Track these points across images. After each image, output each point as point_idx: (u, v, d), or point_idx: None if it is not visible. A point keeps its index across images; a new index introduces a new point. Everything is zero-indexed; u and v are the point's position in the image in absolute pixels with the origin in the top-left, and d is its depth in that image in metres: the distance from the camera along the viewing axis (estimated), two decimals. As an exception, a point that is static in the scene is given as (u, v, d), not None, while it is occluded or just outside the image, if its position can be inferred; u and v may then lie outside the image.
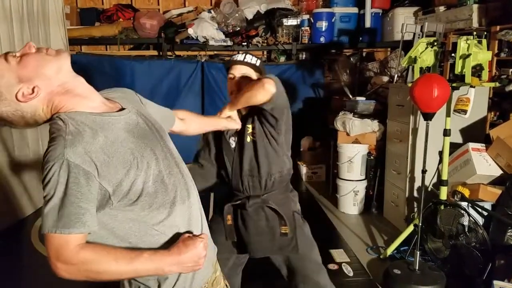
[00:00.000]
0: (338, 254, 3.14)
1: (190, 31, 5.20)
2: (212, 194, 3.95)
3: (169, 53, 5.43)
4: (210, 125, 1.78)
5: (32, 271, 3.01)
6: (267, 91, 1.62)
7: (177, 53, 5.55)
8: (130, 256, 1.07)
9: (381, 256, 3.11)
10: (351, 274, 2.86)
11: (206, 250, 1.17)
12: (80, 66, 5.16)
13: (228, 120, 1.77)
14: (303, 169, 5.14)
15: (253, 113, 1.82)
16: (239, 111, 1.84)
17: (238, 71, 1.81)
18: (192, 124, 1.67)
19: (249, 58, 1.82)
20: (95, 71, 5.25)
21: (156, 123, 1.32)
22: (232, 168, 1.86)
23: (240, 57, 1.81)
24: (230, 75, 1.82)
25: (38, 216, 3.93)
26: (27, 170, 3.93)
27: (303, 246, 1.88)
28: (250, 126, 1.82)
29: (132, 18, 5.41)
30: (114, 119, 1.14)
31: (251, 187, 1.84)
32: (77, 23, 5.45)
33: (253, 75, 1.83)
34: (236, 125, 1.78)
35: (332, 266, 2.95)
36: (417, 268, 2.65)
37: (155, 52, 5.67)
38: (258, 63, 1.84)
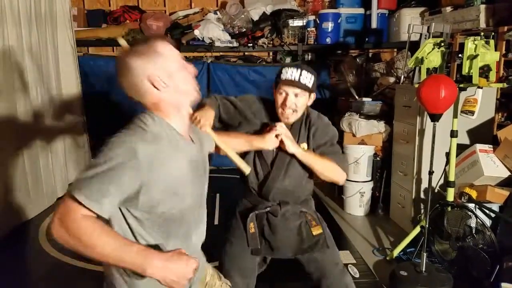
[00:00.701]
0: (344, 256, 3.12)
1: (196, 32, 5.22)
2: (218, 196, 3.96)
3: (175, 54, 5.45)
4: (247, 146, 1.76)
5: (40, 271, 3.03)
6: (342, 179, 1.82)
7: (183, 54, 5.54)
8: (123, 243, 1.09)
9: (387, 258, 3.10)
10: (357, 275, 2.85)
11: (193, 275, 1.14)
12: (87, 68, 5.22)
13: (269, 140, 1.71)
14: (309, 170, 5.12)
15: (308, 135, 1.85)
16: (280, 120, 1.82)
17: (293, 90, 1.75)
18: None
19: (307, 79, 1.74)
20: (102, 73, 5.29)
21: (206, 162, 1.41)
22: (267, 178, 1.83)
23: (296, 75, 1.72)
24: (282, 92, 1.76)
25: (45, 217, 3.96)
26: (34, 171, 3.97)
27: (330, 243, 1.92)
28: (304, 145, 1.83)
29: (138, 20, 5.44)
30: (185, 146, 1.26)
31: (283, 197, 1.85)
32: (84, 25, 5.49)
33: (307, 95, 1.80)
34: (274, 146, 1.75)
35: (338, 268, 2.94)
36: (424, 270, 2.64)
37: (161, 54, 5.69)
38: (312, 81, 1.77)
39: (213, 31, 5.23)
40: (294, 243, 1.86)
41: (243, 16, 5.30)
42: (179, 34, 5.32)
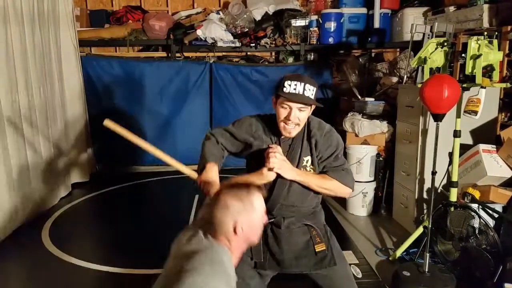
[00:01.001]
0: (347, 256, 3.09)
1: (199, 32, 5.22)
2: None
3: (177, 54, 5.46)
4: None
5: (43, 271, 3.04)
6: (345, 194, 1.83)
7: (186, 54, 5.58)
8: None
9: (390, 258, 3.09)
10: (360, 275, 2.84)
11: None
12: (90, 68, 5.23)
13: (266, 175, 1.72)
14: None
15: (310, 146, 1.81)
16: (278, 133, 1.80)
17: (297, 105, 1.70)
18: None
19: (310, 93, 1.70)
20: (105, 73, 5.31)
21: None
22: (270, 195, 1.80)
23: (300, 89, 1.68)
24: (285, 106, 1.71)
25: (48, 217, 3.98)
26: (37, 172, 3.98)
27: (338, 259, 1.87)
28: (307, 159, 1.81)
29: (141, 20, 5.45)
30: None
31: (288, 212, 1.83)
32: (87, 25, 5.50)
33: (309, 108, 1.76)
34: (273, 177, 1.74)
35: (340, 268, 2.94)
36: (426, 270, 2.63)
37: (164, 54, 5.70)
38: (314, 94, 1.73)
39: (215, 31, 5.23)
40: (301, 259, 1.82)
41: (245, 16, 5.30)
42: (182, 34, 5.33)
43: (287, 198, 1.80)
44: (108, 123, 1.84)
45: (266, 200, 1.76)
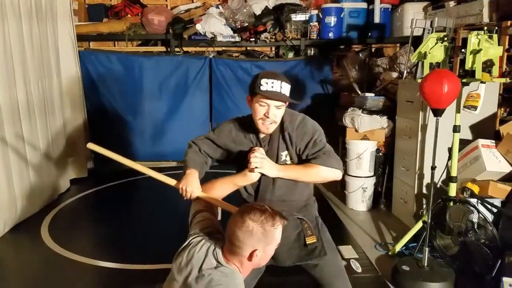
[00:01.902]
0: (347, 250, 3.13)
1: (198, 26, 5.20)
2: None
3: (177, 49, 5.44)
4: (233, 187, 1.82)
5: (42, 266, 3.05)
6: (334, 176, 1.80)
7: (185, 49, 5.56)
8: None
9: (389, 253, 3.10)
10: (359, 270, 2.85)
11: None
12: (88, 63, 5.21)
13: (250, 176, 1.75)
14: (311, 165, 5.11)
15: (285, 141, 1.82)
16: (259, 131, 1.82)
17: (275, 103, 1.73)
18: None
19: (286, 90, 1.74)
20: (103, 68, 5.29)
21: None
22: (257, 191, 1.84)
23: (277, 87, 1.71)
24: (263, 104, 1.72)
25: (47, 213, 3.98)
26: (36, 168, 3.98)
27: (328, 250, 1.88)
28: (285, 153, 1.83)
29: (140, 14, 5.42)
30: None
31: (278, 207, 1.80)
32: (85, 19, 5.48)
33: (285, 106, 1.78)
34: (257, 177, 1.76)
35: (340, 262, 2.95)
36: (426, 264, 2.64)
37: (163, 48, 5.68)
38: (289, 91, 1.76)
39: (215, 25, 5.21)
40: (292, 251, 1.84)
41: (245, 10, 5.28)
42: (181, 28, 5.30)
43: (273, 193, 1.82)
44: (91, 146, 1.92)
45: (255, 197, 1.83)
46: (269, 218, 1.37)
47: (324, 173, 1.77)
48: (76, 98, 4.92)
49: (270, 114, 1.71)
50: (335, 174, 1.79)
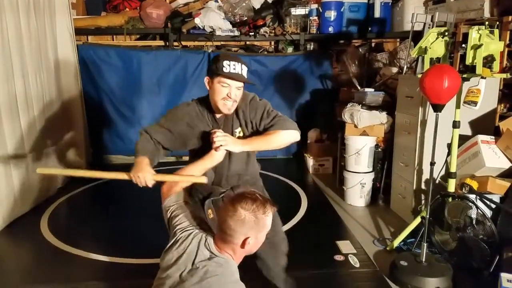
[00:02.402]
0: (345, 245, 3.13)
1: (197, 20, 5.17)
2: None
3: (175, 43, 5.41)
4: (202, 170, 1.83)
5: (41, 260, 3.04)
6: (294, 138, 1.93)
7: (184, 43, 5.53)
8: None
9: (387, 248, 3.10)
10: (357, 265, 2.86)
11: None
12: (87, 57, 5.19)
13: (216, 155, 1.80)
14: (310, 162, 5.12)
15: (239, 118, 1.94)
16: (216, 112, 1.92)
17: (236, 84, 1.83)
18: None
19: (246, 72, 1.85)
20: (102, 62, 5.26)
21: None
22: (216, 167, 1.90)
23: (239, 69, 1.81)
24: (225, 85, 1.82)
25: (46, 207, 3.97)
26: (34, 162, 3.97)
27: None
28: (238, 130, 1.94)
29: (138, 8, 5.39)
30: None
31: (234, 181, 2.00)
32: (83, 13, 5.45)
33: (243, 86, 1.88)
34: (222, 155, 1.82)
35: (338, 257, 2.95)
36: (424, 260, 2.64)
37: (161, 42, 5.65)
38: (247, 73, 1.87)
39: (214, 19, 5.18)
40: None
41: (244, 4, 5.25)
42: (179, 22, 5.27)
43: (229, 168, 1.96)
44: (40, 170, 1.98)
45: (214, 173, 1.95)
46: (260, 206, 1.39)
47: (284, 136, 1.88)
48: (74, 91, 4.90)
49: (232, 95, 1.81)
50: (294, 135, 1.92)
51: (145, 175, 1.77)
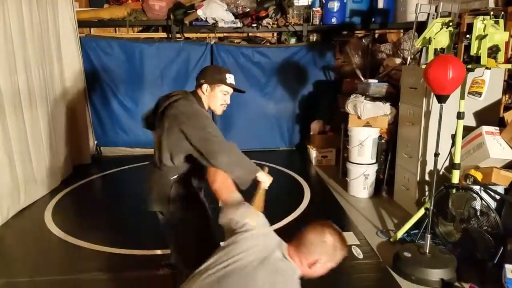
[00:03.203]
0: (348, 237, 3.14)
1: (199, 12, 5.15)
2: None
3: (178, 35, 5.39)
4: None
5: (45, 251, 3.06)
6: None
7: (186, 35, 5.51)
8: None
9: (391, 239, 3.10)
10: (360, 256, 2.86)
11: None
12: (90, 49, 5.18)
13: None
14: (313, 153, 5.11)
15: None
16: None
17: (230, 92, 2.13)
18: None
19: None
20: (105, 54, 5.25)
21: None
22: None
23: (233, 80, 2.12)
24: (226, 93, 2.11)
25: (51, 199, 4.00)
26: (38, 154, 3.98)
27: None
28: None
29: (140, 0, 5.36)
30: None
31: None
32: (85, 5, 5.44)
33: None
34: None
35: (341, 249, 2.96)
36: (427, 251, 2.64)
37: (164, 34, 5.63)
38: None
39: (216, 11, 5.15)
40: None
41: (247, -5, 5.22)
42: (182, 14, 5.24)
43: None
44: None
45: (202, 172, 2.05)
46: (342, 241, 1.50)
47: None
48: (77, 84, 4.90)
49: (228, 101, 2.13)
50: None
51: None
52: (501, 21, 2.55)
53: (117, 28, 5.70)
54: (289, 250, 1.47)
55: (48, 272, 2.72)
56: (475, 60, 2.56)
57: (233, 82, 2.12)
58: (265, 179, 1.98)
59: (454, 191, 2.80)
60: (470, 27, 2.64)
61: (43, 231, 3.32)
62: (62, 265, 2.83)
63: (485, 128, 3.03)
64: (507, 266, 2.22)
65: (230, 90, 2.12)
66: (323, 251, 1.45)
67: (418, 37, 2.97)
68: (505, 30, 2.64)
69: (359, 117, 4.09)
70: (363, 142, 3.90)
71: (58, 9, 4.53)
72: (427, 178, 3.38)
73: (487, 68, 2.52)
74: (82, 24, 5.10)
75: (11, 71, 3.54)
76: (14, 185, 3.56)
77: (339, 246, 1.48)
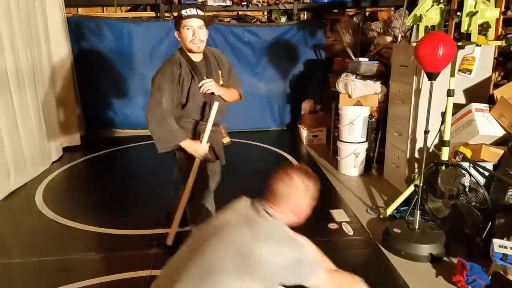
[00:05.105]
0: (338, 214, 3.18)
1: (188, -10, 5.05)
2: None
3: (167, 14, 5.30)
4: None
5: (37, 233, 3.06)
6: (240, 98, 2.58)
7: (175, 14, 5.42)
8: None
9: (380, 216, 3.15)
10: (351, 233, 2.90)
11: None
12: (77, 29, 5.08)
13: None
14: (304, 133, 5.12)
15: (215, 61, 2.40)
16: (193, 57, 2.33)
17: (197, 23, 2.22)
18: None
19: (201, 13, 2.25)
20: (92, 34, 5.16)
21: None
22: (205, 104, 2.35)
23: (195, 12, 2.21)
24: (189, 27, 2.21)
25: (41, 181, 3.97)
26: (28, 136, 3.93)
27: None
28: (219, 72, 2.40)
29: (128, -22, 5.25)
30: None
31: (216, 118, 2.37)
32: (72, -16, 5.29)
33: (205, 27, 2.27)
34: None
35: (332, 226, 2.99)
36: (417, 227, 2.68)
37: (152, 14, 5.53)
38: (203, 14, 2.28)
39: (205, -11, 5.06)
40: (218, 147, 2.51)
41: (236, -27, 5.12)
42: (171, -8, 5.15)
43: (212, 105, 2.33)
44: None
45: (203, 110, 2.38)
46: (309, 175, 1.51)
47: (238, 95, 2.53)
48: (65, 65, 4.81)
49: (196, 34, 2.20)
50: (240, 97, 2.56)
51: (198, 150, 2.28)
52: (492, -2, 2.54)
53: (104, 8, 5.59)
54: (269, 205, 1.48)
55: (40, 253, 2.72)
56: (466, 37, 2.56)
57: (190, 13, 2.18)
58: (190, 148, 2.26)
59: (443, 168, 2.83)
60: (461, 4, 2.62)
61: (34, 213, 3.31)
62: (54, 246, 2.83)
63: (474, 105, 3.05)
64: (494, 240, 2.26)
65: (193, 22, 2.19)
66: (299, 196, 1.48)
67: (409, 14, 2.95)
68: (495, 7, 2.63)
69: (349, 96, 4.09)
70: (354, 121, 3.91)
71: (44, -12, 4.41)
72: (416, 155, 3.41)
73: (477, 45, 2.52)
74: (69, 3, 4.99)
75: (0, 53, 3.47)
76: (3, 168, 3.53)
77: (310, 183, 1.50)
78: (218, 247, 1.33)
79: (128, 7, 5.58)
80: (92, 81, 5.25)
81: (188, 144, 2.29)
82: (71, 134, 4.92)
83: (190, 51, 2.26)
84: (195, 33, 2.20)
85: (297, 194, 1.47)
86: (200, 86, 2.28)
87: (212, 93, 2.31)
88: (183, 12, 2.20)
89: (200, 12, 2.23)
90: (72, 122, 4.94)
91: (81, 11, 5.54)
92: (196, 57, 2.31)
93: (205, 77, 2.30)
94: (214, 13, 5.53)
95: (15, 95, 3.71)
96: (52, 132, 4.47)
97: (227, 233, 1.37)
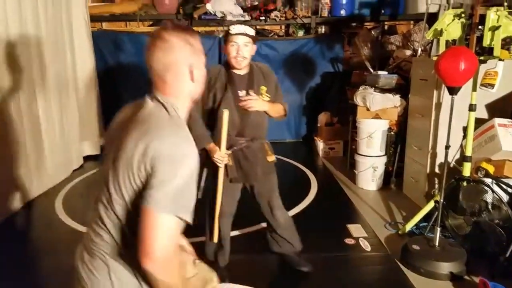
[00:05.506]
0: (355, 229, 3.13)
1: (208, 6, 5.15)
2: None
3: (187, 28, 5.39)
4: None
5: (56, 240, 3.10)
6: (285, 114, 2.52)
7: (195, 29, 5.50)
8: None
9: (399, 232, 3.09)
10: (368, 249, 2.86)
11: None
12: (101, 43, 5.20)
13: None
14: (320, 145, 5.10)
15: (259, 76, 2.34)
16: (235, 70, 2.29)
17: (243, 41, 2.19)
18: None
19: (251, 31, 2.23)
20: (116, 48, 5.29)
21: None
22: (242, 119, 2.29)
23: (243, 29, 2.20)
24: (233, 44, 2.19)
25: (61, 188, 4.04)
26: (50, 145, 4.01)
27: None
28: (263, 87, 2.33)
29: (151, -6, 5.38)
30: None
31: (253, 132, 2.33)
32: (98, 0, 5.45)
33: (251, 45, 2.23)
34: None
35: (349, 241, 2.95)
36: (437, 244, 2.63)
37: (173, 28, 5.63)
38: (254, 33, 2.25)
39: (225, 5, 5.15)
40: (257, 170, 2.36)
41: (255, -12, 5.20)
42: (191, 8, 5.27)
43: (252, 120, 2.30)
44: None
45: (241, 124, 2.31)
46: (182, 29, 1.22)
47: (283, 111, 2.47)
48: (89, 77, 4.93)
49: (240, 51, 2.20)
50: (285, 113, 2.51)
51: (214, 153, 2.23)
52: (515, 12, 2.51)
53: (128, 23, 5.72)
54: (157, 93, 1.27)
55: (60, 260, 2.74)
56: (488, 52, 2.53)
57: (238, 31, 2.18)
58: (211, 152, 2.23)
59: (465, 183, 2.77)
60: (483, 18, 2.60)
61: (54, 220, 3.36)
62: (73, 253, 2.85)
63: (497, 121, 2.99)
64: (518, 259, 2.21)
65: (238, 39, 2.19)
66: (187, 57, 1.19)
67: (429, 28, 2.94)
68: (519, 21, 2.59)
69: (368, 109, 4.07)
70: (372, 134, 3.88)
71: (71, 4, 4.58)
72: (437, 170, 3.36)
73: (500, 59, 2.49)
74: (94, 19, 5.14)
75: (27, 65, 3.60)
76: (26, 174, 3.61)
77: (188, 37, 1.20)
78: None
79: (150, 22, 5.70)
80: (114, 93, 5.35)
81: (210, 148, 2.27)
82: (91, 143, 5.01)
83: (233, 66, 2.28)
84: (239, 51, 2.21)
85: (182, 57, 1.19)
86: (243, 100, 2.24)
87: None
88: (231, 28, 2.23)
89: (249, 30, 2.23)
90: (94, 132, 5.03)
91: (105, 25, 5.68)
92: (240, 71, 2.30)
93: (243, 90, 2.28)
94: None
95: (40, 104, 3.83)
96: (74, 141, 4.56)
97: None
